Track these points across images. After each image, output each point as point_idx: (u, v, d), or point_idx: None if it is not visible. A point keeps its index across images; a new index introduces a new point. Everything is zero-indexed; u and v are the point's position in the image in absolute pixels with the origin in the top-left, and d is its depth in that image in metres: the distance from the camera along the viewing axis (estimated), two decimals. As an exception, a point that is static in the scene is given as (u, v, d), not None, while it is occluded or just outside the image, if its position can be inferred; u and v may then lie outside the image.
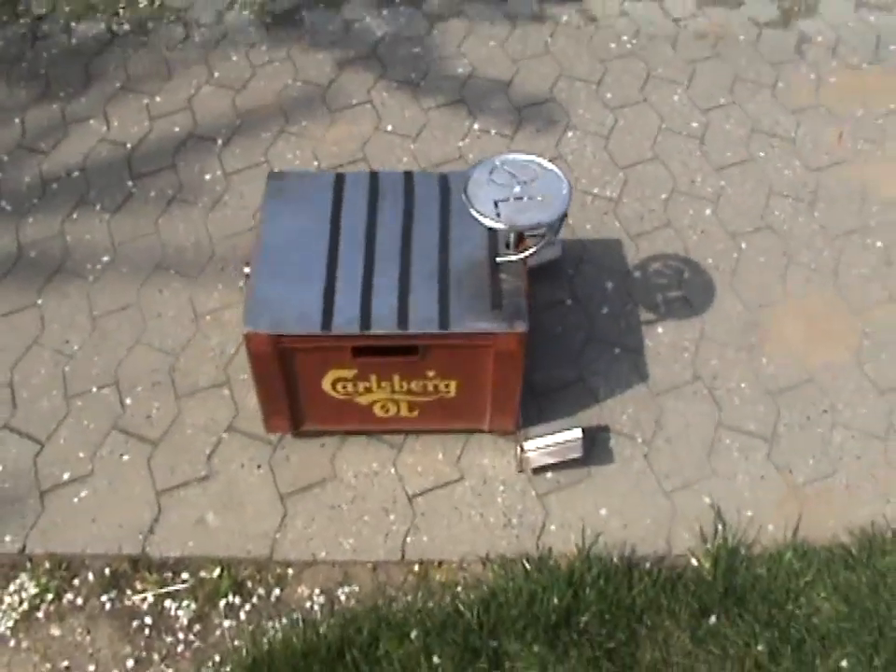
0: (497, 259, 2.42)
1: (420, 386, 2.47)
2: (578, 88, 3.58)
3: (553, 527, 2.51)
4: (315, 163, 3.33)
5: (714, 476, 2.60)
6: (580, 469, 2.60)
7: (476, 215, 2.29)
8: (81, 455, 2.65)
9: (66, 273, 3.06)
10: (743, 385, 2.77)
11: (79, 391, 2.78)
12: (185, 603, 2.43)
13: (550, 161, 2.39)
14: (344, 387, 2.46)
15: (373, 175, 2.65)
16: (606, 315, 2.93)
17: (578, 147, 3.38)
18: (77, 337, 2.90)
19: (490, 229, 2.32)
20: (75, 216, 3.21)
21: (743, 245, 3.10)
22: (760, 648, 2.29)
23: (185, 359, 2.84)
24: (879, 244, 3.11)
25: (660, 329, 2.90)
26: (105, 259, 3.09)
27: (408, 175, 2.64)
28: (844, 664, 2.27)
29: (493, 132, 3.43)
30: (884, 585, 2.38)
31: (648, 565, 2.44)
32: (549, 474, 2.60)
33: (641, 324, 2.91)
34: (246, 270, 2.53)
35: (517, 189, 2.35)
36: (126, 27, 3.83)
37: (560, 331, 2.88)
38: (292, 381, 2.44)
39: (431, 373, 2.43)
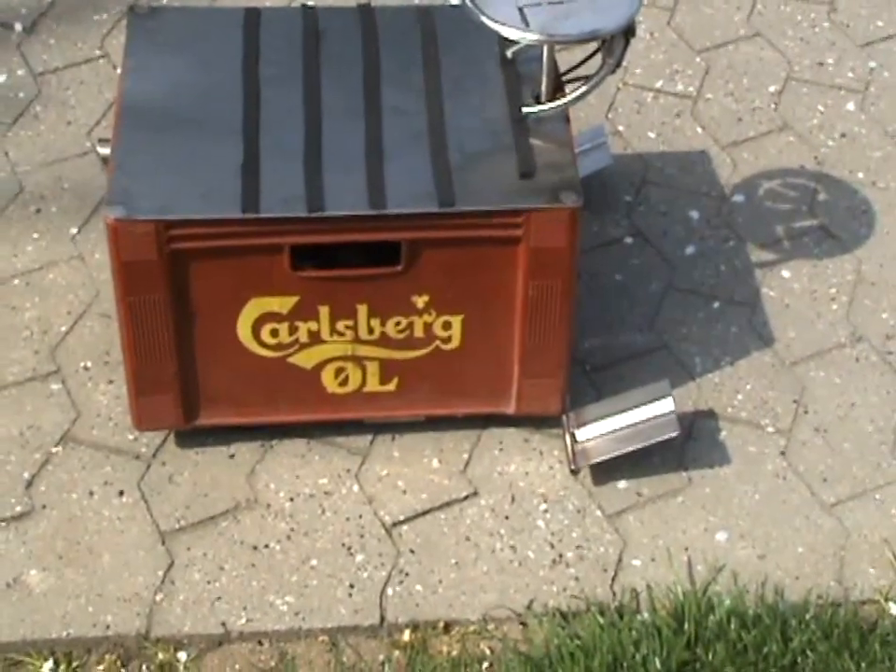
0: (525, 111, 2.62)
1: (402, 329, 2.61)
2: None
3: (636, 562, 2.63)
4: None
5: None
6: (673, 475, 2.74)
7: (493, 24, 2.49)
8: None
9: None
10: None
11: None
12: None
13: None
14: (274, 333, 2.58)
15: (308, 10, 2.87)
16: (692, 257, 3.13)
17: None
18: None
19: (507, 67, 2.59)
20: None
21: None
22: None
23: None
24: None
25: (785, 273, 3.12)
26: None
27: (365, 9, 2.86)
28: None
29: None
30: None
31: (810, 613, 2.55)
32: (622, 483, 2.73)
33: (754, 266, 3.13)
34: (103, 150, 2.69)
35: (558, -9, 2.58)
36: None
37: (621, 281, 3.06)
38: (186, 323, 2.56)
39: (421, 300, 2.57)
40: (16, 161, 3.32)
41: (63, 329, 2.98)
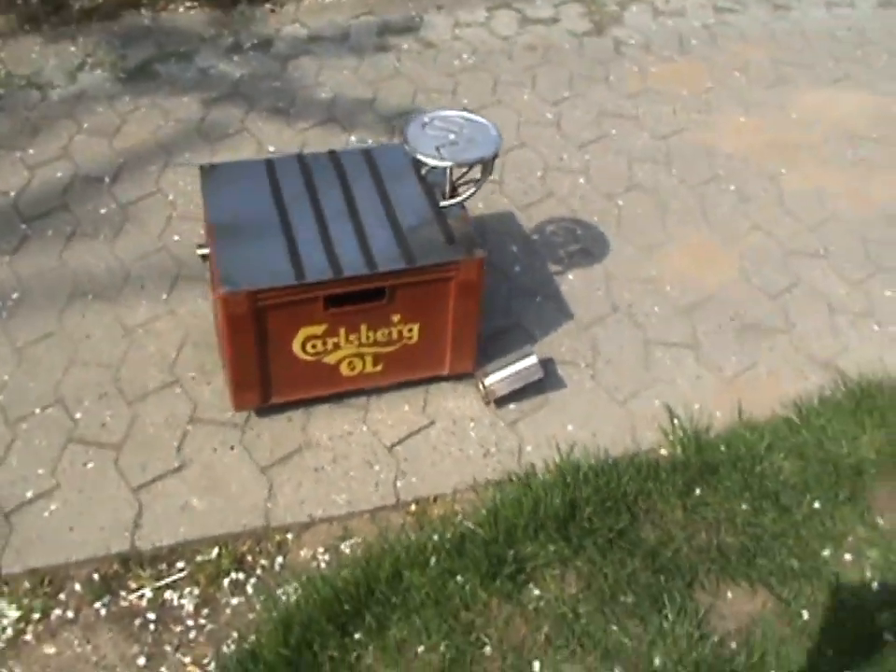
0: (442, 204, 2.59)
1: (385, 335, 2.56)
2: (435, 98, 3.87)
3: (529, 448, 2.64)
4: (210, 186, 3.39)
5: (657, 383, 2.83)
6: (538, 397, 2.76)
7: (424, 158, 2.48)
8: (40, 471, 2.53)
9: (-25, 314, 2.94)
10: (657, 309, 3.05)
11: (21, 415, 2.66)
12: (186, 590, 2.35)
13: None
14: (314, 346, 2.52)
15: (300, 157, 2.77)
16: (520, 272, 3.14)
17: (452, 144, 3.64)
18: (4, 368, 2.78)
19: (423, 181, 2.56)
20: (-31, 261, 3.10)
21: (620, 203, 3.44)
22: (744, 507, 2.50)
23: (127, 370, 2.78)
24: (732, 187, 3.54)
25: (570, 276, 3.15)
26: (15, 295, 2.99)
27: (332, 153, 2.79)
28: (816, 505, 2.52)
29: (370, 140, 3.63)
30: (826, 438, 2.67)
31: (626, 461, 2.60)
32: (511, 405, 2.73)
33: (553, 275, 3.15)
34: (201, 251, 2.56)
35: (451, 136, 2.56)
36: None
37: (485, 289, 3.05)
38: (264, 346, 2.47)
39: (396, 318, 2.54)
40: (121, 259, 3.12)
41: (173, 355, 2.83)
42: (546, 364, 2.81)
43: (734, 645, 2.26)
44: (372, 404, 2.72)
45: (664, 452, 2.65)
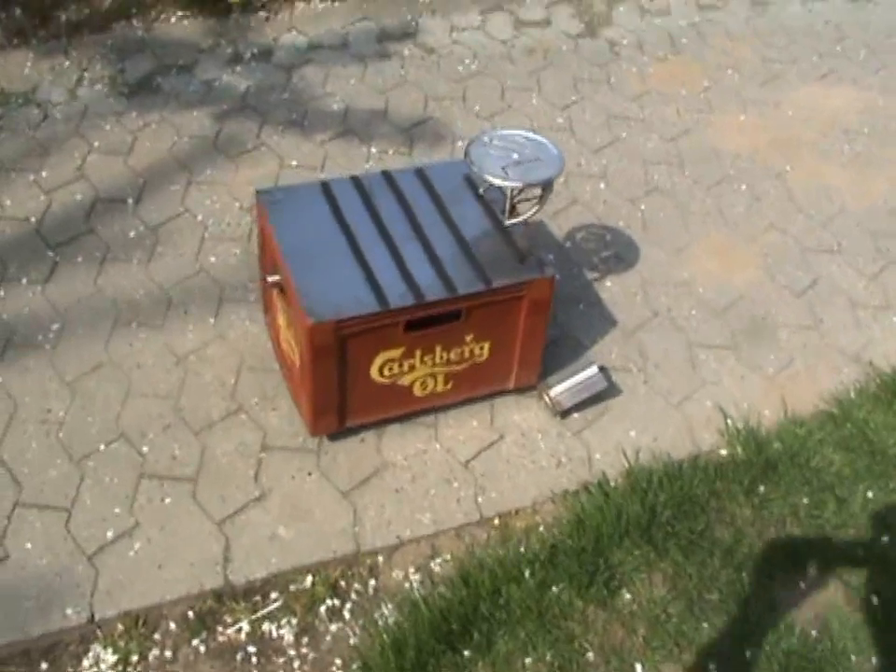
0: (507, 223, 2.63)
1: (458, 354, 2.61)
2: (447, 105, 3.90)
3: (597, 456, 2.72)
4: (237, 204, 3.37)
5: (705, 384, 2.94)
6: (599, 405, 2.83)
7: (493, 179, 2.51)
8: (117, 510, 2.51)
9: (18, 348, 2.87)
10: (694, 312, 3.16)
11: (86, 452, 2.63)
12: (284, 620, 2.37)
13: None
14: (391, 369, 2.54)
15: (355, 179, 2.78)
16: (560, 280, 3.17)
17: (470, 153, 3.68)
18: (59, 404, 2.74)
19: (481, 199, 2.64)
20: (1, 293, 3.02)
21: (643, 207, 3.53)
22: (805, 500, 2.63)
23: (186, 399, 2.77)
24: (744, 186, 3.66)
25: (608, 283, 3.23)
26: (55, 326, 2.94)
27: (386, 174, 2.80)
28: (870, 494, 2.66)
29: (390, 151, 3.65)
30: (869, 430, 2.82)
31: (687, 465, 2.70)
32: (575, 415, 2.80)
33: (591, 282, 3.22)
34: (271, 279, 2.56)
35: (514, 155, 2.60)
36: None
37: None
38: (343, 372, 2.49)
39: (469, 337, 2.58)
40: (159, 283, 3.08)
41: (232, 381, 2.82)
42: (601, 371, 2.88)
43: (814, 633, 2.38)
44: (441, 421, 2.76)
45: (723, 452, 2.75)
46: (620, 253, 3.34)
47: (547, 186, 2.60)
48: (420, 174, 2.80)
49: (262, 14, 4.20)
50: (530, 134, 2.66)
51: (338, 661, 2.31)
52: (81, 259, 3.15)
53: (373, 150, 3.64)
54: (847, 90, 4.23)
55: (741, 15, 4.66)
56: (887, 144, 3.92)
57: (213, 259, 3.18)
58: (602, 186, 3.59)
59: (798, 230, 3.51)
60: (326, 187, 2.73)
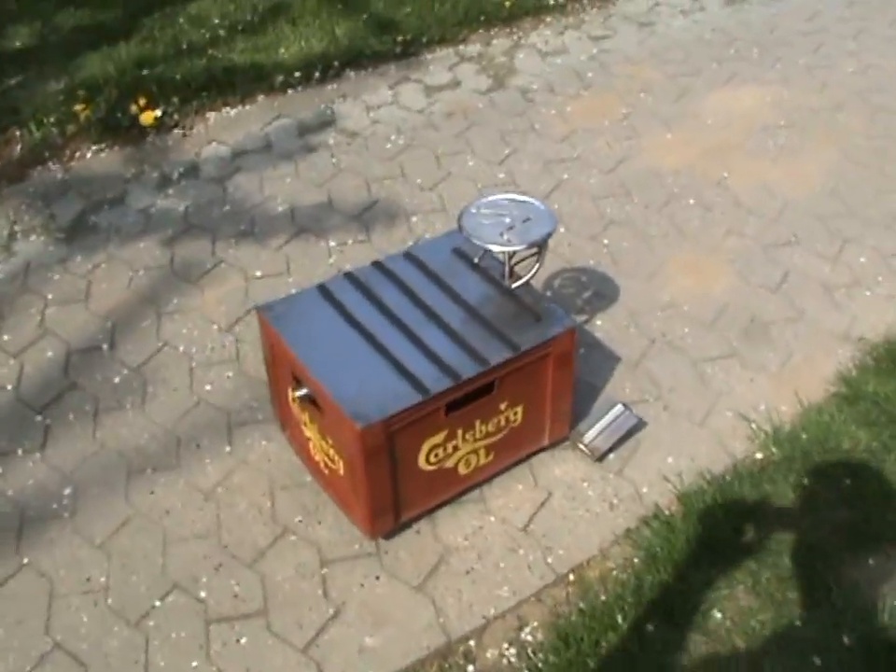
0: (513, 286, 2.70)
1: (495, 425, 2.64)
2: (388, 184, 3.96)
3: (644, 489, 2.77)
4: (214, 326, 3.34)
5: (721, 396, 3.04)
6: (630, 441, 2.90)
7: (496, 248, 2.58)
8: (195, 663, 2.44)
9: (35, 522, 2.77)
10: (687, 330, 3.27)
11: (142, 613, 2.55)
12: (393, 730, 2.35)
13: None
14: (436, 455, 2.56)
15: (349, 275, 2.81)
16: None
17: (426, 226, 3.74)
18: (97, 570, 2.65)
19: (476, 268, 2.73)
20: (0, 469, 2.93)
21: (605, 241, 3.65)
22: (848, 482, 2.76)
23: (228, 534, 2.72)
24: (692, 201, 3.83)
25: (598, 322, 3.32)
26: (67, 491, 2.85)
27: (378, 264, 2.84)
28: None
29: (349, 242, 3.68)
30: (882, 401, 2.97)
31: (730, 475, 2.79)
32: (611, 456, 2.86)
33: (581, 325, 3.30)
34: (300, 393, 2.56)
35: (506, 220, 2.67)
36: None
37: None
38: (394, 468, 2.50)
39: (504, 405, 2.62)
40: (161, 423, 3.02)
41: (268, 504, 2.78)
42: (626, 408, 2.95)
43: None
44: (487, 493, 2.78)
45: (759, 455, 2.85)
46: (599, 291, 3.43)
47: (544, 243, 2.67)
48: (410, 256, 2.84)
49: (178, 132, 4.20)
50: (513, 196, 2.74)
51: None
52: (73, 416, 3.07)
53: (332, 244, 3.67)
54: (753, 88, 4.47)
55: (633, 39, 4.89)
56: (804, 131, 4.16)
57: (208, 387, 3.14)
58: (562, 230, 3.69)
59: (753, 230, 3.68)
60: (324, 289, 2.74)
